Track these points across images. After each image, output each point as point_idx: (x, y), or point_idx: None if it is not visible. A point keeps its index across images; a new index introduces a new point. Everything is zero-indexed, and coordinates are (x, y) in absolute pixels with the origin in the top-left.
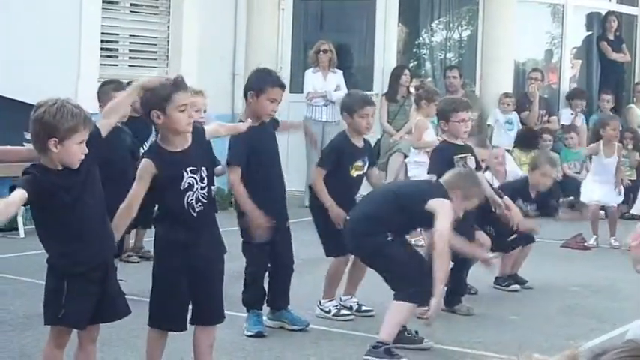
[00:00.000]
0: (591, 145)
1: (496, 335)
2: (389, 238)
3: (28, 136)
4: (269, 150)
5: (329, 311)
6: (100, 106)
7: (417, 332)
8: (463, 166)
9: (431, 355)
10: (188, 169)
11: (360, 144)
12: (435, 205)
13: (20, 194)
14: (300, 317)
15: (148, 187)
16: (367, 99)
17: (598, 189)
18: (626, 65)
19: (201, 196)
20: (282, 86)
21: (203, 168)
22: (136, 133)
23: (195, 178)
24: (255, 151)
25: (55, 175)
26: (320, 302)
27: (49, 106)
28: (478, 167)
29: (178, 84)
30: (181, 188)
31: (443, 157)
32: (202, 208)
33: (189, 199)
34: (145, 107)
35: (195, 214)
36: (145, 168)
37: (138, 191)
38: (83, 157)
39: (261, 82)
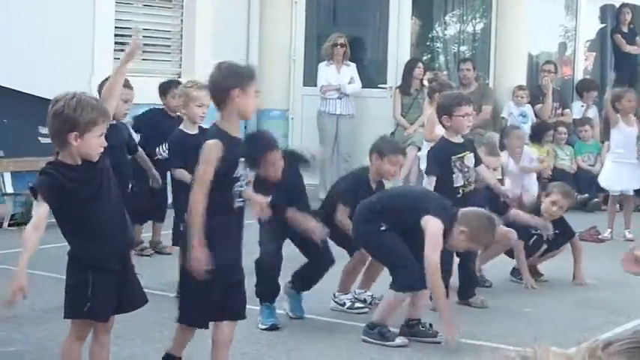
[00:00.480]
0: (612, 113)
1: (510, 328)
2: (382, 228)
3: (42, 130)
4: None
5: (343, 304)
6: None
7: (431, 325)
8: (460, 166)
9: (445, 348)
10: (241, 159)
11: (374, 186)
12: (427, 225)
13: (44, 210)
14: (302, 308)
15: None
16: (400, 147)
17: (619, 173)
18: None
19: (241, 191)
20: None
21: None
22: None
23: (243, 170)
24: None
25: (74, 171)
26: (335, 295)
27: (68, 99)
28: (477, 163)
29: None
30: (234, 176)
31: (440, 158)
32: (241, 203)
33: (235, 189)
34: (226, 82)
35: (235, 208)
36: (214, 149)
37: (210, 174)
38: (102, 149)
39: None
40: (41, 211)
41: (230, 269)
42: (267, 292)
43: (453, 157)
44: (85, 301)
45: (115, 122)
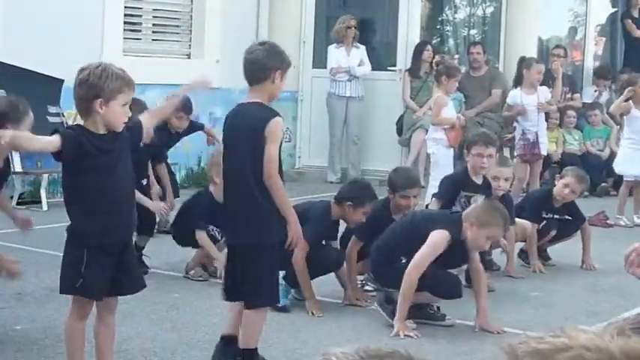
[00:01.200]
0: (622, 104)
1: (518, 312)
2: (403, 262)
3: (51, 109)
4: None
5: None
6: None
7: (438, 308)
8: (464, 202)
9: (453, 332)
10: None
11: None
12: (431, 235)
13: (53, 138)
14: (286, 296)
15: None
16: (413, 179)
17: (634, 158)
18: None
19: None
20: None
21: None
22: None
23: None
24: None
25: (97, 138)
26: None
27: (93, 68)
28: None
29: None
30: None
31: (451, 188)
32: None
33: None
34: (270, 62)
35: None
36: (280, 126)
37: (276, 151)
38: (127, 119)
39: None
40: (51, 138)
41: None
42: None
43: (462, 192)
44: (77, 277)
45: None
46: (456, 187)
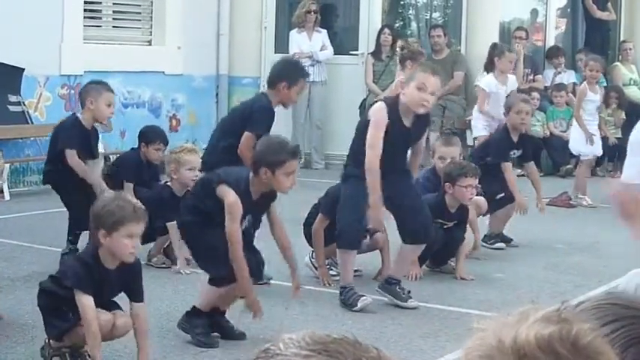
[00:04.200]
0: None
1: (482, 294)
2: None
3: (11, 98)
4: None
5: (317, 268)
6: (81, 102)
7: (409, 292)
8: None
9: (417, 314)
10: None
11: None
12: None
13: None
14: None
15: None
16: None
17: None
18: (612, 23)
19: None
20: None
21: None
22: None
23: None
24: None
25: (105, 273)
26: (312, 254)
27: (102, 199)
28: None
29: (294, 152)
30: None
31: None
32: None
33: None
34: (258, 162)
35: None
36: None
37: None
38: (134, 250)
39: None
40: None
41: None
42: None
43: (438, 220)
44: None
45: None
46: (434, 215)
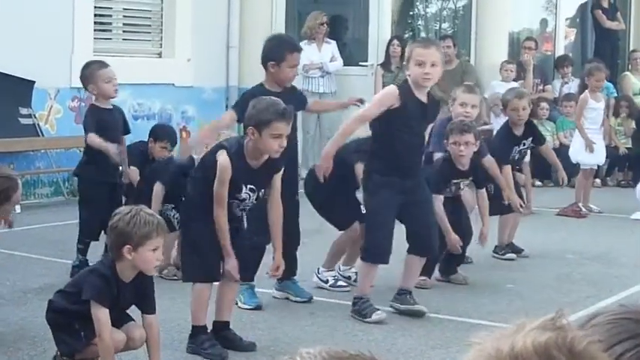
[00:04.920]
0: (580, 98)
1: (492, 304)
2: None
3: (22, 110)
4: None
5: (326, 281)
6: (85, 88)
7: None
8: (454, 190)
9: (427, 325)
10: None
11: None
12: None
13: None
14: (304, 290)
15: None
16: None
17: (593, 147)
18: (621, 33)
19: None
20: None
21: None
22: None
23: None
24: None
25: (121, 287)
26: (319, 270)
27: (123, 214)
28: (480, 185)
29: (282, 113)
30: None
31: (441, 179)
32: None
33: None
34: (246, 122)
35: None
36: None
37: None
38: (158, 263)
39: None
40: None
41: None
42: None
43: (452, 180)
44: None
45: (111, 107)
46: (445, 179)
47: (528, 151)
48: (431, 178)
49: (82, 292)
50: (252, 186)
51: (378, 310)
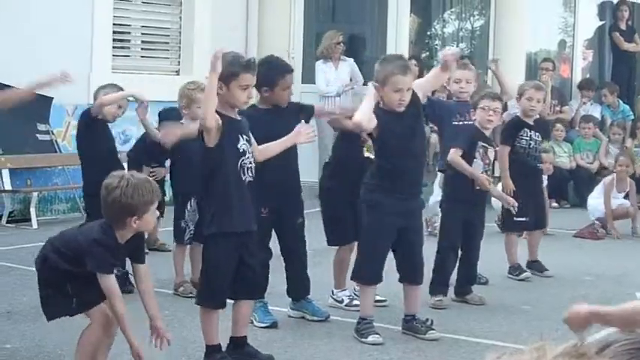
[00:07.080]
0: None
1: (508, 325)
2: None
3: (40, 127)
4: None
5: (341, 301)
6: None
7: (431, 323)
8: (482, 155)
9: (443, 346)
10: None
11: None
12: None
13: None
14: (320, 309)
15: None
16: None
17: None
18: (638, 55)
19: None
20: (291, 72)
21: None
22: None
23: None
24: (268, 138)
25: (119, 248)
26: (333, 292)
27: (123, 188)
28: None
29: (247, 65)
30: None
31: (468, 137)
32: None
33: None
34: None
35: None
36: None
37: None
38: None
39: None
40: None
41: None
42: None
43: (479, 142)
44: None
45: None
46: (474, 137)
47: (546, 177)
48: (458, 136)
49: (79, 258)
50: (245, 136)
51: (377, 334)
